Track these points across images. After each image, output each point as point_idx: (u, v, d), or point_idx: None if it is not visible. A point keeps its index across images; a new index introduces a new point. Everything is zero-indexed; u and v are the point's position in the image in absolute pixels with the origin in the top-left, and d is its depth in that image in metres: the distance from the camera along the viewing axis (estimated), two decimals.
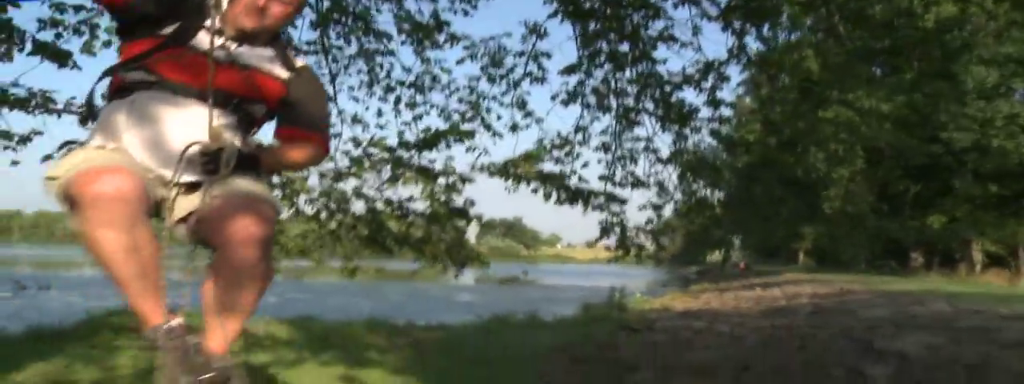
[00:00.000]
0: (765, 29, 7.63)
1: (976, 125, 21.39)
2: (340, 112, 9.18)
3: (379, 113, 9.43)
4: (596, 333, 14.25)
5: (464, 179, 6.49)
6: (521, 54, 9.81)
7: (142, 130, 2.20)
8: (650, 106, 9.42)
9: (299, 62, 2.52)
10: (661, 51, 8.83)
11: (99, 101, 2.42)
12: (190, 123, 2.22)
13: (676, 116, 8.81)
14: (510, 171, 6.64)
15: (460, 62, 9.92)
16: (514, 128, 9.40)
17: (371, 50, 9.15)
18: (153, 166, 2.21)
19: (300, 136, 2.51)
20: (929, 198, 23.79)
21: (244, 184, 2.26)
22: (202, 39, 2.25)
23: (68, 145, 2.31)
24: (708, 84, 8.21)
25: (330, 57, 8.87)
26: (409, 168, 6.52)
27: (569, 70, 9.71)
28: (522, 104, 9.73)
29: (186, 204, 2.24)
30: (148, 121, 2.20)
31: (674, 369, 8.80)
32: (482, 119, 9.51)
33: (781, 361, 8.80)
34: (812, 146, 8.60)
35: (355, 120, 9.32)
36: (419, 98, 9.43)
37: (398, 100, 9.38)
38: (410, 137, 8.40)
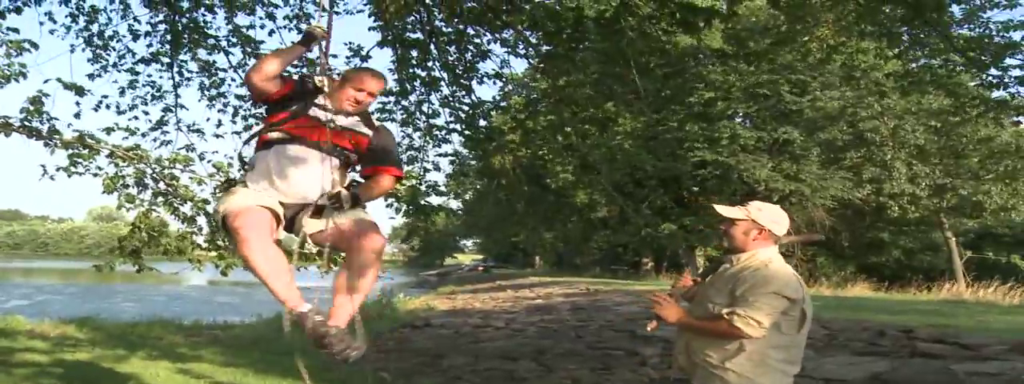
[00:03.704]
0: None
1: (706, 144, 24.35)
2: (178, 122, 9.82)
3: (218, 124, 10.04)
4: (379, 329, 15.31)
5: None
6: None
7: (281, 171, 3.38)
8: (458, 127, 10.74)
9: (376, 123, 3.69)
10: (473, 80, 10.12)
11: (246, 154, 3.64)
12: (313, 166, 3.42)
13: (483, 137, 10.19)
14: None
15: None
16: None
17: (211, 63, 9.85)
18: (289, 197, 3.40)
19: (381, 170, 3.64)
20: (667, 208, 26.74)
21: (360, 213, 3.48)
22: (316, 111, 3.45)
23: (228, 183, 3.45)
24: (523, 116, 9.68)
25: (175, 69, 9.58)
26: None
27: (387, 92, 10.87)
28: None
29: (314, 224, 3.40)
30: (286, 165, 3.38)
31: (479, 355, 10.17)
32: None
33: (568, 347, 10.40)
34: (604, 165, 10.30)
35: (190, 129, 9.91)
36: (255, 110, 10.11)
37: (235, 112, 10.06)
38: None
